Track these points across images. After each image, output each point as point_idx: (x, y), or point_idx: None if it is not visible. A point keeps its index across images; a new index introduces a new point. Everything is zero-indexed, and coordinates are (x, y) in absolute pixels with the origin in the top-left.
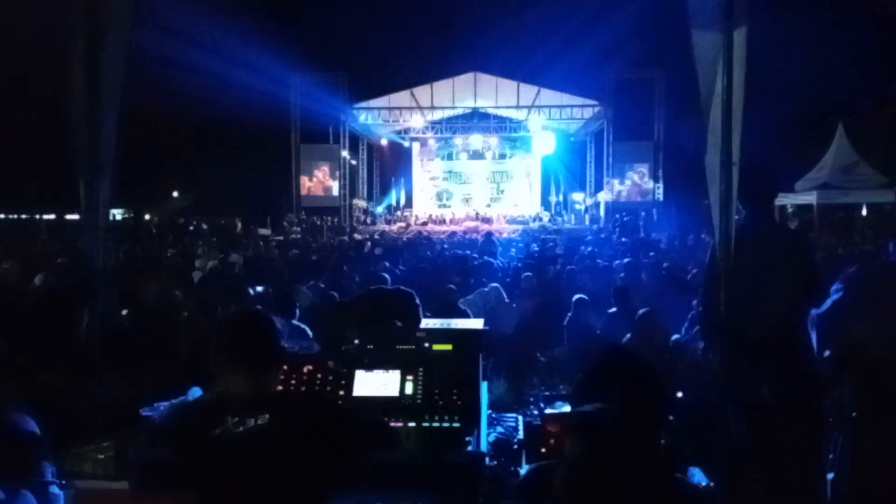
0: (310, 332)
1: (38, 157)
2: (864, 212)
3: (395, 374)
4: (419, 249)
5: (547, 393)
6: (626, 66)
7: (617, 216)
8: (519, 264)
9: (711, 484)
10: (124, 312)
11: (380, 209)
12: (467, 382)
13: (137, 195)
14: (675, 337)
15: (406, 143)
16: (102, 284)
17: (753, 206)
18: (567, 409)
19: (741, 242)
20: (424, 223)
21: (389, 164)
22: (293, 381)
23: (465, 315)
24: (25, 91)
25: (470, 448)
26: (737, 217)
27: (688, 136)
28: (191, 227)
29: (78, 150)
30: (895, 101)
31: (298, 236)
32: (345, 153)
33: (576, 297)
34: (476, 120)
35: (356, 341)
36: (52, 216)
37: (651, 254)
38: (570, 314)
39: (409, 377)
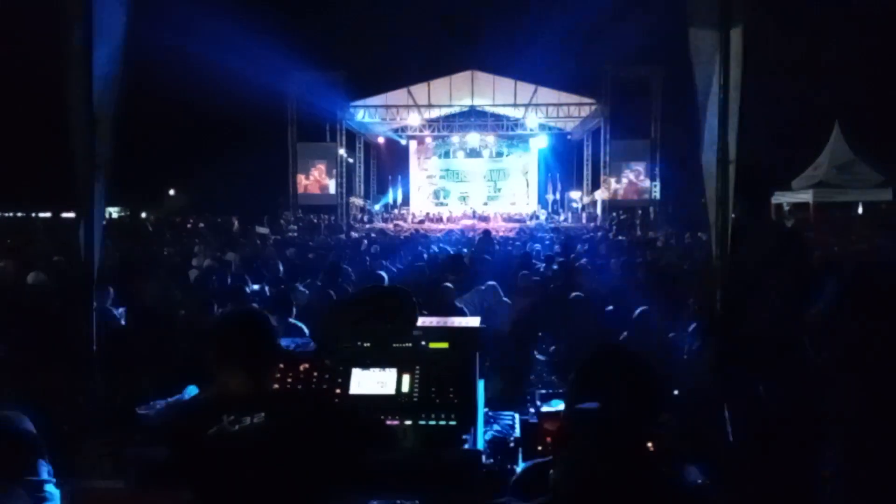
0: (306, 331)
1: (34, 155)
2: (861, 210)
3: (391, 373)
4: (416, 247)
5: (544, 391)
6: (623, 64)
7: (614, 214)
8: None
9: (707, 482)
10: (121, 311)
11: (377, 207)
12: (464, 380)
13: (134, 194)
14: (671, 335)
15: (403, 142)
16: (99, 283)
17: (749, 205)
18: (562, 407)
19: (736, 241)
20: (421, 221)
21: (386, 163)
22: (289, 380)
23: (461, 313)
24: (22, 89)
25: (466, 446)
26: (732, 216)
27: (684, 135)
28: (188, 226)
29: (74, 148)
30: (891, 100)
31: (295, 234)
32: (342, 151)
33: (573, 294)
34: (473, 118)
35: (353, 340)
36: (48, 214)
37: (647, 252)
38: (567, 312)
39: (406, 375)
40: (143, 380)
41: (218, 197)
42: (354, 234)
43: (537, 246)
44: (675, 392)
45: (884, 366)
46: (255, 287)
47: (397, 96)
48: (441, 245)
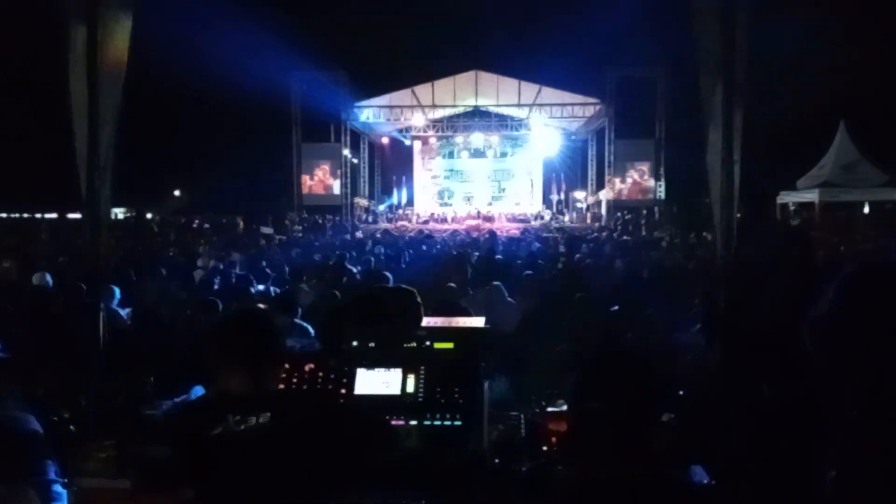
0: (311, 331)
1: (39, 155)
2: (867, 210)
3: (396, 373)
4: (421, 247)
5: (549, 391)
6: (627, 64)
7: (618, 214)
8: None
9: (713, 482)
10: (126, 311)
11: (381, 208)
12: (469, 381)
13: (139, 194)
14: (676, 335)
15: (407, 142)
16: (104, 284)
17: (754, 205)
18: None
19: (741, 241)
20: (426, 222)
21: (391, 163)
22: (294, 380)
23: (466, 313)
24: (26, 89)
25: (471, 446)
26: (737, 215)
27: (689, 134)
28: (192, 226)
29: (79, 148)
30: None
31: (300, 235)
32: (346, 152)
33: (578, 295)
34: (477, 118)
35: (357, 340)
36: (53, 215)
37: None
38: (572, 312)
39: (411, 375)
40: (148, 380)
41: (223, 197)
42: (359, 235)
43: (537, 244)
44: (681, 392)
45: (888, 366)
46: (260, 287)
47: (401, 96)
48: (446, 245)
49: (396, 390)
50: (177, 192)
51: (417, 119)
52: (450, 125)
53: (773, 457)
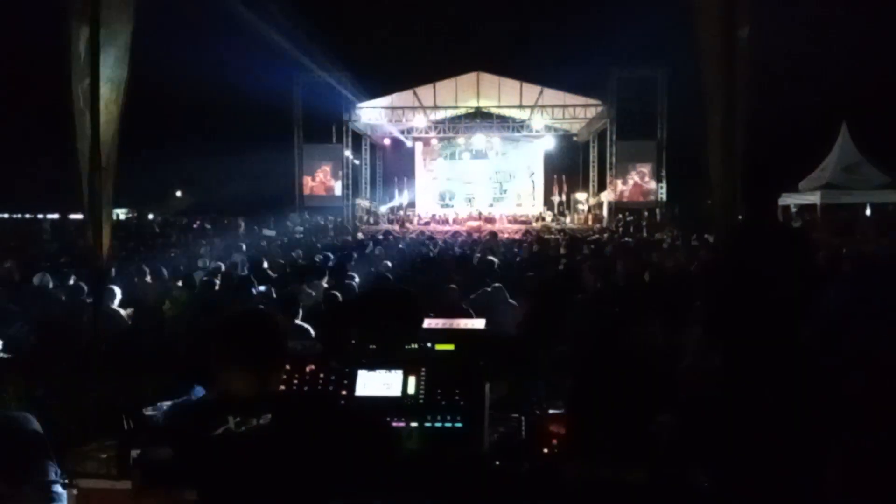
0: (312, 332)
1: (41, 156)
2: (868, 212)
3: (397, 374)
4: (422, 248)
5: (550, 393)
6: (629, 65)
7: (620, 216)
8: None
9: (712, 484)
10: (127, 312)
11: (383, 209)
12: (470, 382)
13: (141, 195)
14: (677, 337)
15: (409, 143)
16: (105, 284)
17: (756, 206)
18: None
19: (743, 242)
20: (427, 223)
21: (392, 164)
22: (296, 381)
23: (467, 315)
24: (29, 90)
25: (472, 448)
26: (739, 217)
27: (691, 136)
28: (193, 227)
29: (81, 149)
30: None
31: (301, 236)
32: (348, 153)
33: (579, 296)
34: (479, 119)
35: (359, 341)
36: (55, 216)
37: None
38: (573, 314)
39: (412, 377)
40: (148, 380)
41: (224, 198)
42: (360, 236)
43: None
44: (681, 394)
45: (891, 367)
46: (262, 288)
47: (403, 98)
48: (448, 246)
49: (397, 392)
50: (178, 193)
51: (419, 120)
52: (451, 126)
53: (772, 459)
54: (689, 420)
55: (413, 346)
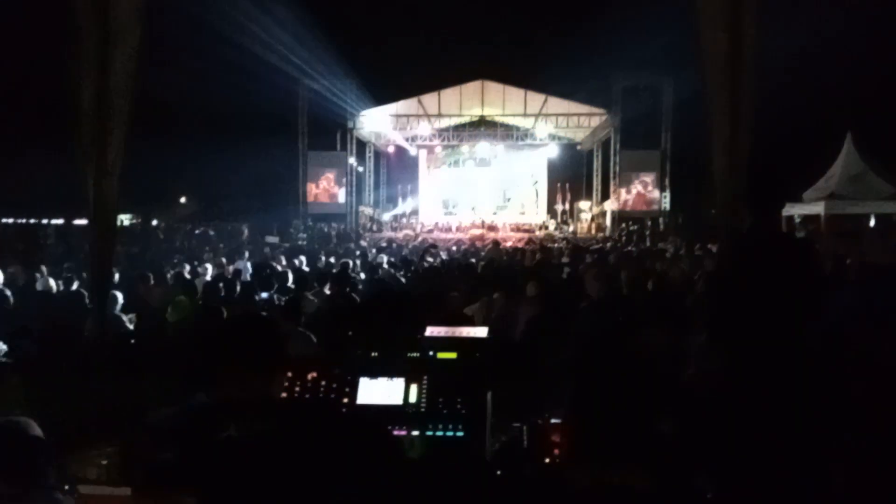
0: (315, 339)
1: (47, 161)
2: (873, 222)
3: (399, 382)
4: (425, 256)
5: (553, 401)
6: (633, 74)
7: (623, 225)
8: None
9: (717, 491)
10: (129, 317)
11: (386, 216)
12: (472, 391)
13: (146, 201)
14: (681, 345)
15: (413, 151)
16: (109, 289)
17: (760, 215)
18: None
19: (747, 251)
20: (430, 231)
21: (396, 172)
22: (297, 388)
23: (469, 322)
24: (36, 95)
25: (474, 457)
26: (743, 226)
27: (695, 145)
28: (197, 233)
29: (87, 154)
30: None
31: (304, 243)
32: (352, 160)
33: (582, 304)
34: (483, 128)
35: (360, 348)
36: (60, 221)
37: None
38: (575, 322)
39: (414, 385)
40: (150, 386)
41: (228, 205)
42: (363, 243)
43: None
44: (685, 401)
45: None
46: (265, 295)
47: (407, 106)
48: (451, 254)
49: (399, 400)
50: (183, 200)
51: (423, 128)
52: (455, 134)
53: (777, 465)
54: (693, 427)
55: (415, 354)
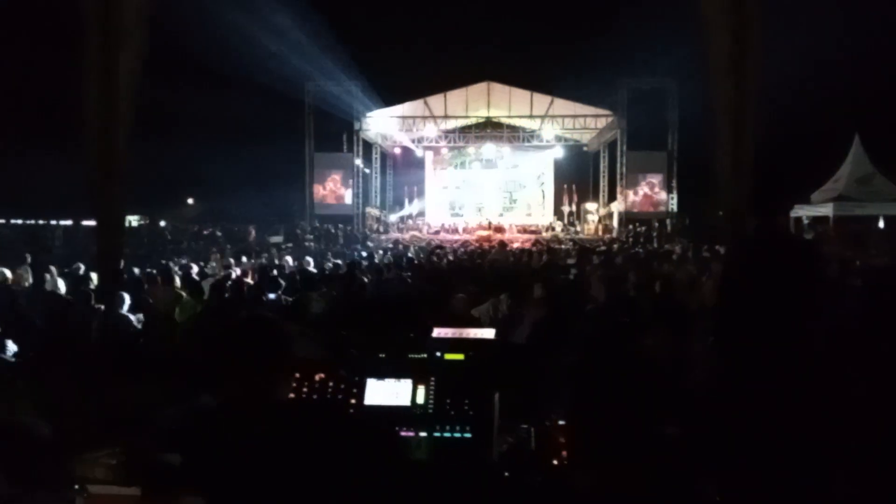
0: (321, 340)
1: (54, 162)
2: (881, 224)
3: (406, 383)
4: (431, 258)
5: (559, 402)
6: (640, 75)
7: (630, 226)
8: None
9: (721, 495)
10: (138, 317)
11: (392, 218)
12: (479, 392)
13: (153, 202)
14: (687, 347)
15: (419, 152)
16: (116, 290)
17: (766, 217)
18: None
19: (754, 253)
20: (437, 232)
21: (403, 173)
22: (304, 389)
23: (477, 324)
24: (43, 97)
25: (481, 459)
26: (750, 228)
27: (702, 146)
28: (205, 234)
29: (94, 156)
30: None
31: (312, 244)
32: (358, 161)
33: (589, 306)
34: (489, 129)
35: (367, 350)
36: (68, 222)
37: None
38: (583, 323)
39: (421, 386)
40: (157, 386)
41: (235, 206)
42: (370, 245)
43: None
44: (691, 404)
45: None
46: (272, 296)
47: (414, 107)
48: (458, 255)
49: (406, 401)
50: (190, 201)
51: (429, 130)
52: (462, 136)
53: (783, 470)
54: (699, 430)
55: (422, 355)
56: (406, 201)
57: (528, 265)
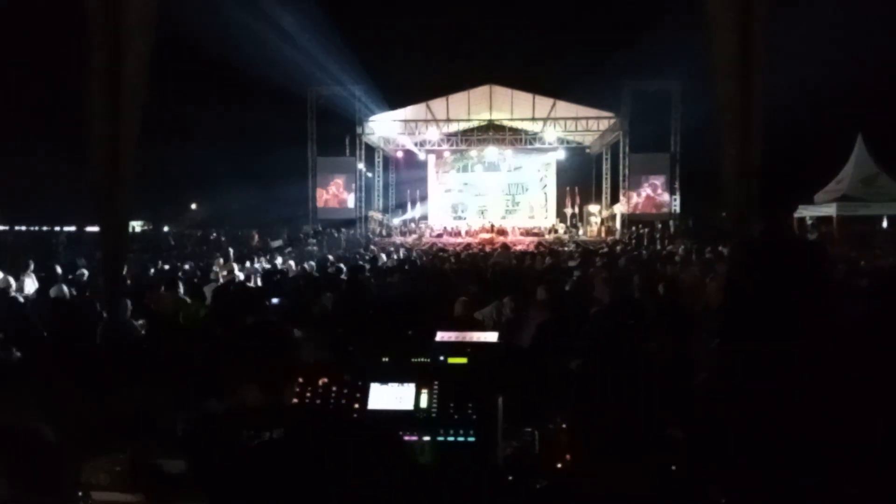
0: (325, 345)
1: (59, 168)
2: (885, 224)
3: (409, 388)
4: (435, 261)
5: (563, 406)
6: (642, 77)
7: (633, 228)
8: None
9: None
10: (141, 323)
11: (395, 221)
12: (482, 396)
13: (157, 208)
14: (692, 349)
15: (422, 156)
16: (120, 295)
17: (770, 218)
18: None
19: (759, 254)
20: (440, 235)
21: (405, 177)
22: (308, 394)
23: (480, 327)
24: (48, 102)
25: (485, 463)
26: (754, 229)
27: (705, 148)
28: (211, 238)
29: (99, 161)
30: None
31: (315, 248)
32: (361, 165)
33: (593, 309)
34: (492, 132)
35: (371, 354)
36: (72, 228)
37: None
38: (587, 326)
39: (424, 390)
40: (162, 391)
41: (239, 211)
42: (373, 248)
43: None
44: (696, 406)
45: None
46: (275, 300)
47: (416, 111)
48: (460, 258)
49: (410, 405)
50: (193, 206)
51: (432, 133)
52: (464, 139)
53: (789, 474)
54: (704, 434)
55: (426, 359)
56: (409, 205)
57: (532, 268)
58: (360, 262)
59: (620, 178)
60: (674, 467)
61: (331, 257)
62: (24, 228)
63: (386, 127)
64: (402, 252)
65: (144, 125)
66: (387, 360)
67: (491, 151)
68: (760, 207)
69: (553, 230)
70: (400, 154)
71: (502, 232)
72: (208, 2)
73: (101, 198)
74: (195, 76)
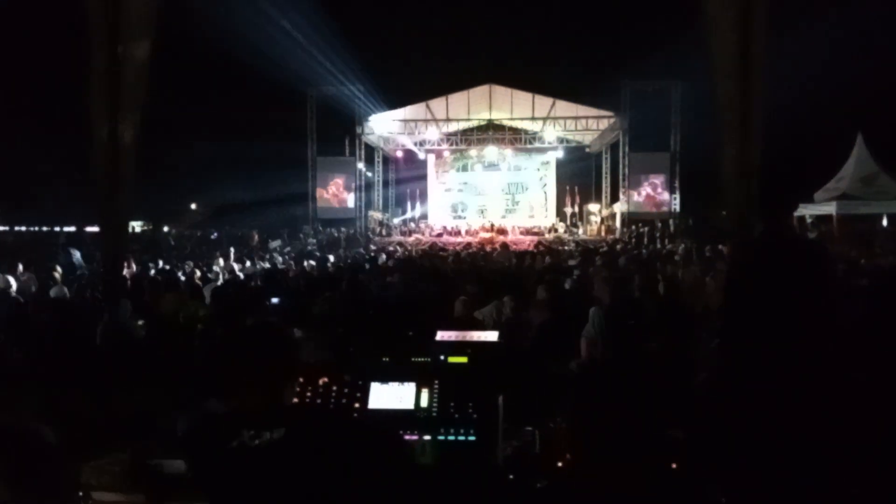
0: (326, 344)
1: (59, 169)
2: (885, 223)
3: (410, 387)
4: (434, 261)
5: (563, 405)
6: (642, 77)
7: (633, 227)
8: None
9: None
10: (141, 323)
11: (395, 221)
12: (483, 395)
13: (157, 208)
14: (691, 349)
15: (422, 155)
16: (120, 295)
17: (771, 218)
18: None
19: (760, 253)
20: (439, 234)
21: (405, 176)
22: (308, 394)
23: (480, 326)
24: (48, 104)
25: (486, 462)
26: (754, 228)
27: (705, 147)
28: (212, 238)
29: (98, 162)
30: None
31: (315, 248)
32: (360, 165)
33: (592, 309)
34: (491, 131)
35: (371, 354)
36: (72, 228)
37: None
38: (586, 326)
39: (425, 390)
40: (162, 392)
41: (239, 211)
42: (373, 248)
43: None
44: (696, 406)
45: None
46: (275, 301)
47: (416, 110)
48: (460, 258)
49: (410, 405)
50: (193, 206)
51: (432, 133)
52: (464, 138)
53: (790, 475)
54: (704, 433)
55: (426, 358)
56: (408, 204)
57: (532, 267)
58: (362, 262)
59: (620, 178)
60: (674, 467)
61: (331, 257)
62: (23, 228)
63: (386, 127)
64: (401, 251)
65: (144, 125)
66: (387, 359)
67: (491, 151)
68: (760, 207)
69: (553, 229)
70: (400, 154)
71: (502, 231)
72: (208, 2)
73: (101, 198)
74: (195, 76)
